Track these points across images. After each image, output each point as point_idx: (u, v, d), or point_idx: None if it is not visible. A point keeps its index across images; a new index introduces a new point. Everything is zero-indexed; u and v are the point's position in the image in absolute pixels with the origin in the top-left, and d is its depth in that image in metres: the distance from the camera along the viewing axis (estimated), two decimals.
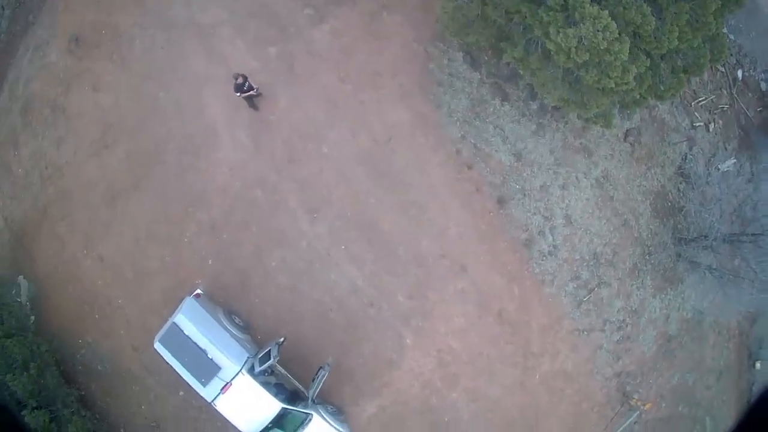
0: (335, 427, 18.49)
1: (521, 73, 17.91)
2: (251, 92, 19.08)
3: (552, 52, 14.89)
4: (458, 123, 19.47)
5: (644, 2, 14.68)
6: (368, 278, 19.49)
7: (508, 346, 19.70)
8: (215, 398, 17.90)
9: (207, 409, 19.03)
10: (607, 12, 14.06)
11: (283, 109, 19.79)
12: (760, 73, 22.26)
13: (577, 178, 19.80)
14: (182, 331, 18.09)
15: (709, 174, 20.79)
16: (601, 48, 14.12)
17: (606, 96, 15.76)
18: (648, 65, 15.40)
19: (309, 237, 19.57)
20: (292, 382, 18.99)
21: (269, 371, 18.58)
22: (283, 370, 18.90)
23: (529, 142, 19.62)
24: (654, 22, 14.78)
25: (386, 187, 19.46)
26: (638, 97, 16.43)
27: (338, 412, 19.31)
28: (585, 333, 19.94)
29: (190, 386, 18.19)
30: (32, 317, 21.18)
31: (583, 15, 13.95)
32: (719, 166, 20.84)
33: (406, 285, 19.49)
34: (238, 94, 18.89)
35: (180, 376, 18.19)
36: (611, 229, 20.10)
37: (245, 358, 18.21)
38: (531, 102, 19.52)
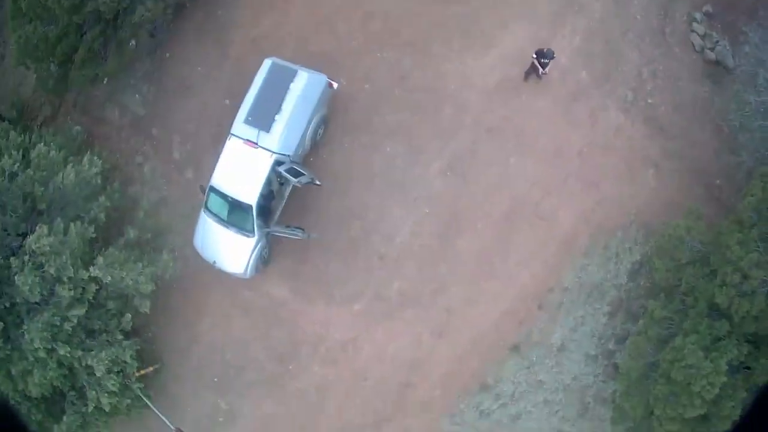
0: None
1: None
2: (538, 68, 19.22)
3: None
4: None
5: None
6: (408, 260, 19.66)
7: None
8: (237, 130, 18.34)
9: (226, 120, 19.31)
10: None
11: (532, 106, 19.83)
12: None
13: None
14: (289, 79, 18.37)
15: None
16: None
17: None
18: None
19: (428, 179, 19.79)
20: (279, 204, 19.26)
21: (280, 181, 18.87)
22: (286, 195, 19.28)
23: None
24: None
25: (491, 235, 19.65)
26: None
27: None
28: None
29: (240, 109, 18.58)
30: None
31: None
32: None
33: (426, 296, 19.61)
34: (534, 56, 19.06)
35: (244, 96, 18.65)
36: None
37: (290, 154, 18.51)
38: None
